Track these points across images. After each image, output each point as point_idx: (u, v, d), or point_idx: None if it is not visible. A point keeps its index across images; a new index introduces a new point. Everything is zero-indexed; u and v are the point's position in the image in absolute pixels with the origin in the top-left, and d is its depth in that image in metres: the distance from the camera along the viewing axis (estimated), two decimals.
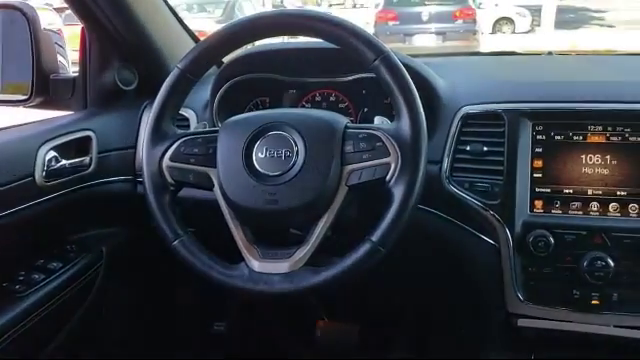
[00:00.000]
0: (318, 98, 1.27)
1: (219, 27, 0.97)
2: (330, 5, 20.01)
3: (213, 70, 1.28)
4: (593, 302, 1.00)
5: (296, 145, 0.89)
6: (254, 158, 0.91)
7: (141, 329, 1.52)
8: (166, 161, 0.94)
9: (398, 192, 0.86)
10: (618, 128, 1.01)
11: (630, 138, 1.01)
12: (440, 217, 1.10)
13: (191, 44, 1.40)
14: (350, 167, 0.88)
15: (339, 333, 1.77)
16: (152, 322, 1.56)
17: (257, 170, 0.90)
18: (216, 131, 0.95)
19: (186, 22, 1.43)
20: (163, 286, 1.57)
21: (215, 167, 0.92)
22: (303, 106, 1.27)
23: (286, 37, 1.24)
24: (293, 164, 0.88)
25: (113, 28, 1.20)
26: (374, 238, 0.85)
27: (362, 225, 0.88)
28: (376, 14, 9.12)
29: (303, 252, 0.88)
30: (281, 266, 0.88)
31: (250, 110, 0.97)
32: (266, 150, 0.90)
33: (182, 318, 1.64)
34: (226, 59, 1.18)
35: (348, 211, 0.96)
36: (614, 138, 1.01)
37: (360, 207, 1.03)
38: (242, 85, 1.24)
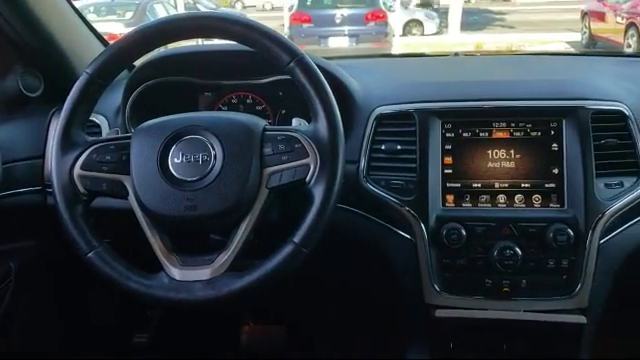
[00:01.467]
0: (234, 101, 1.26)
1: (129, 30, 0.94)
2: (244, 7, 19.88)
3: (124, 74, 1.24)
4: (504, 289, 1.05)
5: (213, 149, 0.88)
6: (170, 164, 0.88)
7: (56, 346, 1.45)
8: (77, 170, 0.90)
9: (318, 192, 0.87)
10: (520, 124, 1.08)
11: (532, 133, 1.07)
12: (359, 215, 1.13)
13: (100, 48, 1.35)
14: (270, 169, 0.88)
15: (265, 336, 1.77)
16: (68, 339, 1.49)
17: (173, 176, 0.88)
18: (129, 137, 0.92)
19: (94, 25, 1.38)
20: (79, 301, 1.51)
21: (129, 174, 0.89)
22: (219, 109, 1.26)
23: (200, 39, 1.22)
24: (211, 168, 0.87)
25: (13, 31, 1.14)
26: (296, 239, 0.86)
27: (284, 227, 0.88)
28: (290, 16, 9.18)
29: (225, 257, 0.87)
30: (202, 273, 0.87)
31: (164, 115, 0.95)
32: (182, 155, 0.88)
33: (101, 332, 1.58)
34: (137, 62, 1.14)
35: (270, 214, 0.96)
36: (517, 134, 1.08)
37: (281, 209, 1.03)
38: (155, 89, 1.21)
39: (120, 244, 0.94)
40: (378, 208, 1.10)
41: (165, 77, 1.21)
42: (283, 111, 1.24)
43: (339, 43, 8.58)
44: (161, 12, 8.66)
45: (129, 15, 8.53)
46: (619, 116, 1.07)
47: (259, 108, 1.25)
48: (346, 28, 8.65)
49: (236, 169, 0.87)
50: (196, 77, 1.23)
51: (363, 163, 1.10)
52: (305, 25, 8.80)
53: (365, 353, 1.58)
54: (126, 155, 0.90)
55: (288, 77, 0.90)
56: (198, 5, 11.98)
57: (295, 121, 0.97)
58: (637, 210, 1.06)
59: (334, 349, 1.72)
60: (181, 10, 10.45)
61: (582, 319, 1.05)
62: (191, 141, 0.89)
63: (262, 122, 0.92)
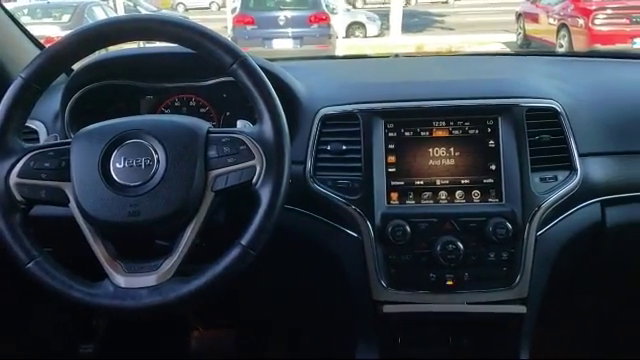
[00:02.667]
0: (177, 103, 1.25)
1: (67, 33, 0.92)
2: (186, 9, 19.59)
3: (62, 78, 1.21)
4: (448, 283, 1.08)
5: (156, 153, 0.87)
6: (112, 169, 0.87)
7: None
8: (14, 178, 0.87)
9: (265, 194, 0.87)
10: (459, 122, 1.11)
11: (470, 131, 1.11)
12: (307, 215, 1.14)
13: (35, 51, 1.30)
14: (215, 172, 0.88)
15: (215, 341, 1.75)
16: (9, 353, 1.43)
17: (116, 181, 0.86)
18: (68, 143, 0.90)
19: (29, 28, 1.33)
20: (19, 314, 1.45)
21: (69, 181, 0.87)
22: (162, 112, 1.24)
23: (142, 42, 1.20)
24: (154, 173, 0.86)
25: None
26: (244, 242, 0.86)
27: (232, 230, 0.88)
28: (233, 18, 9.13)
29: (171, 263, 0.86)
30: (148, 279, 0.85)
31: (105, 119, 0.93)
32: (124, 160, 0.87)
33: (45, 344, 1.53)
34: (76, 66, 1.11)
35: (216, 217, 0.96)
36: (456, 132, 1.11)
37: (228, 211, 1.03)
38: (95, 93, 1.18)
39: (62, 253, 0.91)
40: (325, 208, 1.12)
41: (105, 81, 1.19)
42: (228, 113, 1.24)
43: (283, 45, 8.60)
44: (100, 15, 8.40)
45: (66, 18, 8.23)
46: (551, 113, 1.12)
47: (203, 110, 1.24)
48: (290, 30, 8.67)
49: (180, 173, 0.86)
50: (137, 80, 1.21)
51: (309, 164, 1.11)
52: (249, 27, 8.76)
53: (316, 353, 1.59)
54: (66, 161, 0.88)
55: (232, 79, 0.90)
56: (138, 7, 11.73)
57: (240, 123, 0.97)
58: (570, 202, 1.11)
59: (285, 350, 1.73)
60: (121, 12, 10.19)
61: (522, 309, 1.09)
62: (133, 145, 0.88)
63: (206, 124, 0.91)
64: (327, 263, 1.17)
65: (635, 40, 7.44)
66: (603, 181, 1.14)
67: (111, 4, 10.54)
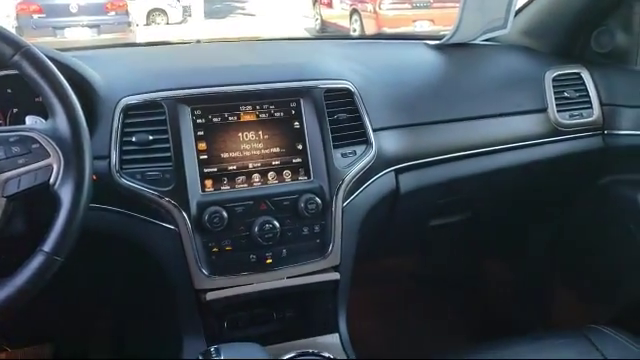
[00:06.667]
0: None
1: None
2: None
3: None
4: (267, 261, 1.12)
5: None
6: None
7: None
8: None
9: (66, 194, 0.81)
10: (265, 106, 1.14)
11: (275, 114, 1.15)
12: (117, 212, 1.08)
13: None
14: (5, 175, 0.80)
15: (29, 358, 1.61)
16: None
17: None
18: None
19: None
20: None
21: None
22: None
23: None
24: None
25: None
26: (46, 248, 0.80)
27: (34, 237, 0.81)
28: (16, 6, 8.22)
29: None
30: None
31: None
32: None
33: None
34: None
35: (13, 225, 0.87)
36: (263, 115, 1.14)
37: (27, 218, 0.94)
38: None
39: None
40: (136, 202, 1.08)
41: None
42: (15, 110, 1.12)
43: (78, 34, 8.01)
44: None
45: None
46: (346, 93, 1.21)
47: None
48: (85, 18, 8.12)
49: None
50: None
51: (114, 157, 1.06)
52: (35, 15, 8.01)
53: (143, 353, 1.54)
54: None
55: (16, 72, 0.83)
56: None
57: (30, 119, 0.90)
58: (369, 174, 1.21)
59: (110, 355, 1.65)
60: None
61: (336, 275, 1.17)
62: None
63: None
64: (144, 259, 1.14)
65: (416, 23, 8.29)
66: (395, 152, 1.27)
67: None
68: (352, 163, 1.17)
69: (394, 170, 1.28)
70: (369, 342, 1.53)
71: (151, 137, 1.08)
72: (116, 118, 1.07)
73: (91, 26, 8.11)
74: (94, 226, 0.92)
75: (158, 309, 1.38)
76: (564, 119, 1.45)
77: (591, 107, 1.49)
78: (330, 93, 1.19)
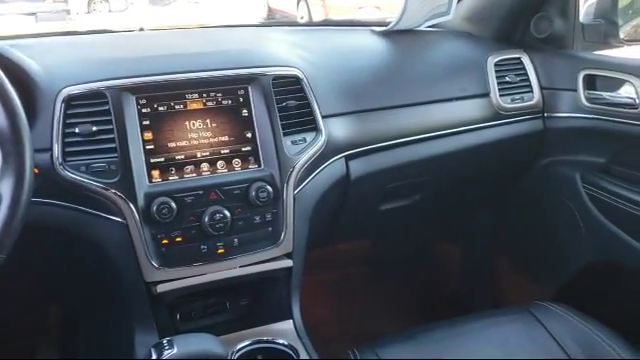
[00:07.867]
0: None
1: None
2: None
3: None
4: (219, 251, 1.11)
5: None
6: None
7: None
8: None
9: (5, 190, 0.79)
10: (212, 94, 1.13)
11: (223, 102, 1.14)
12: (62, 207, 1.05)
13: None
14: None
15: None
16: None
17: None
18: None
19: None
20: None
21: None
22: None
23: None
24: None
25: None
26: None
27: None
28: None
29: None
30: None
31: None
32: None
33: None
34: None
35: None
36: (210, 103, 1.13)
37: None
38: None
39: None
40: (82, 195, 1.05)
41: None
42: None
43: (14, 23, 7.66)
44: None
45: None
46: (295, 80, 1.21)
47: None
48: (19, 6, 7.76)
49: None
50: None
51: (57, 149, 1.02)
52: None
53: (94, 349, 1.50)
54: None
55: None
56: None
57: None
58: (319, 161, 1.22)
59: (59, 353, 1.61)
60: None
61: (289, 262, 1.18)
62: None
63: None
64: (92, 253, 1.11)
65: (362, 10, 8.31)
66: (344, 138, 1.28)
67: None
68: (302, 150, 1.18)
69: (344, 156, 1.29)
70: (323, 327, 1.54)
71: (95, 128, 1.05)
72: (57, 109, 1.03)
73: (27, 15, 7.79)
74: (39, 221, 0.89)
75: (109, 303, 1.35)
76: (506, 103, 1.50)
77: (531, 91, 1.54)
78: (278, 80, 1.18)
